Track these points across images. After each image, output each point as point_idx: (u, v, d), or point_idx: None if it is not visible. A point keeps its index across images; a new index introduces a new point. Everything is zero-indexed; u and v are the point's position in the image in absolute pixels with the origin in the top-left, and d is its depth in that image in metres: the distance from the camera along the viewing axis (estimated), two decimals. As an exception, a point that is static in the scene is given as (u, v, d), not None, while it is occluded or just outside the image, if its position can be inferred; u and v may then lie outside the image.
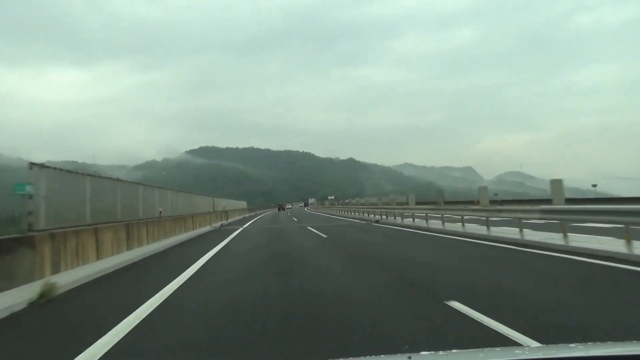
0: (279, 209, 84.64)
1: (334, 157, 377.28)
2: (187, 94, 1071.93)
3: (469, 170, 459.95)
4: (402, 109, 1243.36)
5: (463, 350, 1.81)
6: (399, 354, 1.45)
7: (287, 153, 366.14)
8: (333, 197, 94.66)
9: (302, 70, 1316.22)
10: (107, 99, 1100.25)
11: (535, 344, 3.33)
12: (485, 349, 1.63)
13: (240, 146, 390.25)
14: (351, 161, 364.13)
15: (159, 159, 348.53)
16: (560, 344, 1.64)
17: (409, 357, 1.37)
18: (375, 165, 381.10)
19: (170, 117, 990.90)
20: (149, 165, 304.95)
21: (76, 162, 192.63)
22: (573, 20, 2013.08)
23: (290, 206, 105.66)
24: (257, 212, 60.27)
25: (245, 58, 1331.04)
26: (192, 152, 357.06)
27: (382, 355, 1.55)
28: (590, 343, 1.63)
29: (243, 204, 50.69)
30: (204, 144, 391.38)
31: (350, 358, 1.73)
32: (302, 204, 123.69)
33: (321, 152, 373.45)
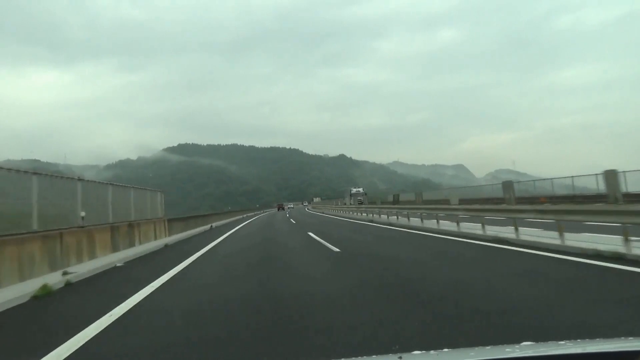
0: (278, 209, 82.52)
1: (322, 154, 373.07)
2: (169, 94, 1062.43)
3: (460, 167, 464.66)
4: (389, 108, 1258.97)
5: (454, 350, 1.81)
6: (390, 354, 1.47)
7: (273, 150, 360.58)
8: (362, 189, 63.28)
9: (289, 70, 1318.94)
10: (86, 99, 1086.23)
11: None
12: (476, 348, 1.63)
13: (223, 143, 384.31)
14: (342, 158, 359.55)
15: (134, 157, 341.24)
16: (550, 342, 1.66)
17: (400, 357, 1.40)
18: (366, 163, 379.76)
19: (151, 117, 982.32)
20: (123, 164, 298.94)
21: (38, 161, 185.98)
22: (554, 22, 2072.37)
23: (291, 205, 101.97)
24: (215, 226, 27.87)
25: (230, 58, 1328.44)
26: (169, 149, 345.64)
27: (374, 356, 1.59)
28: (579, 340, 1.72)
29: (153, 206, 17.38)
30: (183, 142, 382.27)
31: (343, 359, 1.87)
32: (306, 203, 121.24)
33: (309, 151, 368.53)
